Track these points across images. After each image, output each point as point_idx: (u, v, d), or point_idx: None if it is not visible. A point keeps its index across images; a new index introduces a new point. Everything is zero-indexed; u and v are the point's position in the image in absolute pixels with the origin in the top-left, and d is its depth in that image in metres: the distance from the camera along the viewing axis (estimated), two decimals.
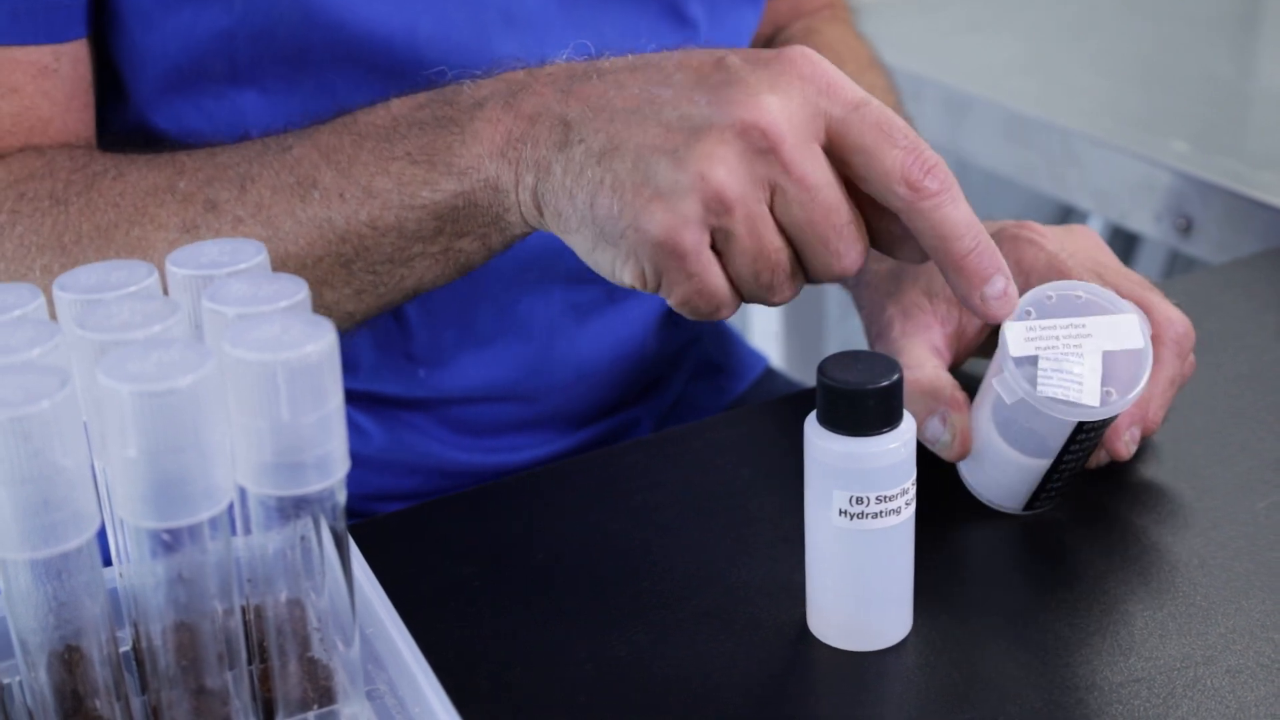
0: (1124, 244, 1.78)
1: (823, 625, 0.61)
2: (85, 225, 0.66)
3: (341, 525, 0.46)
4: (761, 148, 0.56)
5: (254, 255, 0.50)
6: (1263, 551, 0.66)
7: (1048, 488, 0.67)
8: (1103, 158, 1.18)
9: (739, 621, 0.63)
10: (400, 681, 0.50)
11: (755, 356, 1.04)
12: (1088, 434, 0.64)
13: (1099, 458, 0.70)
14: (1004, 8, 1.57)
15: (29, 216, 0.67)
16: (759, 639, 0.62)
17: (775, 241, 0.58)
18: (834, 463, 0.57)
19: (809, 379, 0.90)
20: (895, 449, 0.57)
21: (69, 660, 0.45)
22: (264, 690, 0.50)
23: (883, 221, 0.60)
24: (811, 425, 0.58)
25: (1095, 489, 0.71)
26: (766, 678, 0.60)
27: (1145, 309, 0.69)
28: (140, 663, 0.51)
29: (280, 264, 0.64)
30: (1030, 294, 0.64)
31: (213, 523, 0.44)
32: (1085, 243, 0.74)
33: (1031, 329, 0.63)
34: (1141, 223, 1.17)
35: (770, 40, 0.98)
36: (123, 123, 0.76)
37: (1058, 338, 0.63)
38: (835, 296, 1.67)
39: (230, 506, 0.45)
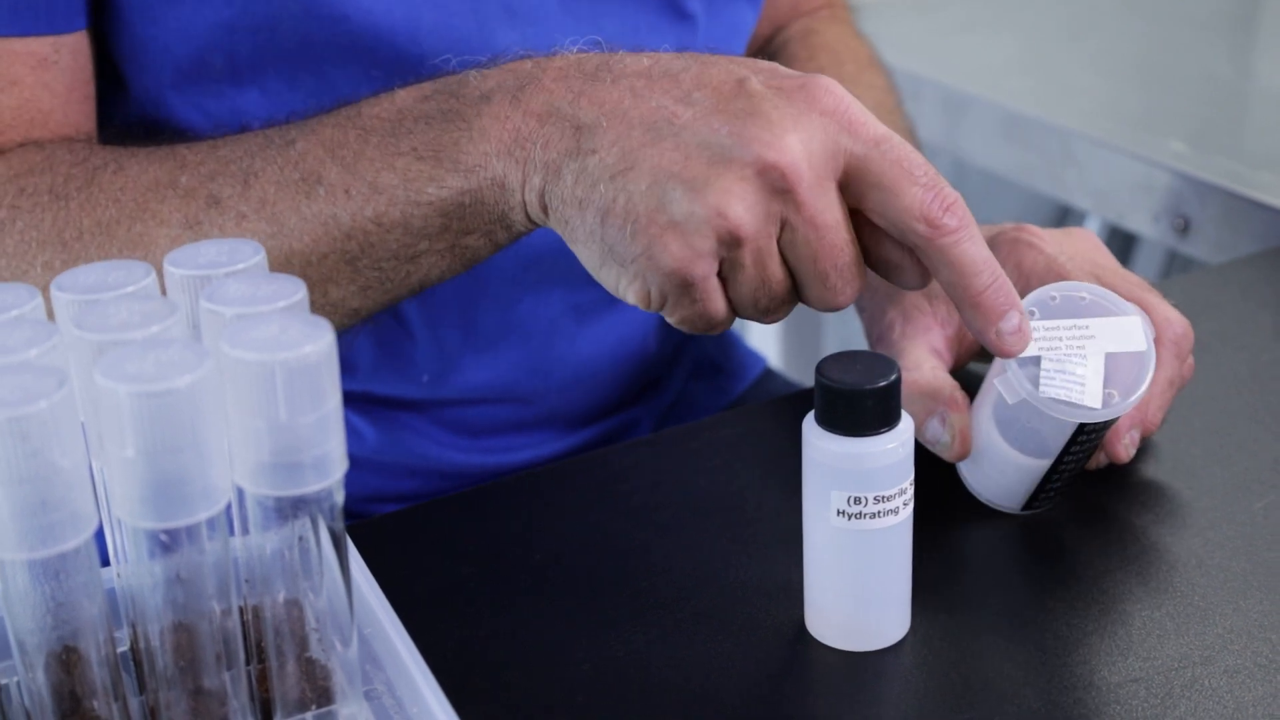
0: (1122, 244, 1.78)
1: (821, 625, 0.61)
2: (86, 221, 0.65)
3: (339, 525, 0.46)
4: (780, 188, 0.56)
5: (252, 255, 0.50)
6: (1260, 551, 0.66)
7: (1047, 488, 0.67)
8: (1101, 158, 1.18)
9: (737, 621, 0.63)
10: (398, 682, 0.50)
11: (754, 357, 1.04)
12: (1089, 435, 0.64)
13: (1098, 460, 0.70)
14: (1002, 8, 1.57)
15: (29, 212, 0.66)
16: (757, 639, 0.62)
17: (779, 274, 0.58)
18: (832, 463, 0.57)
19: (808, 379, 0.90)
20: (893, 449, 0.57)
21: (67, 661, 0.45)
22: (262, 690, 0.50)
23: (882, 249, 0.60)
24: (810, 425, 0.58)
25: (1093, 489, 0.71)
26: (765, 678, 0.60)
27: (1144, 310, 0.69)
28: (138, 663, 0.51)
29: (284, 261, 0.64)
30: (1034, 294, 0.64)
31: (210, 523, 0.44)
32: (1084, 245, 0.74)
33: (1035, 329, 0.63)
34: (1139, 223, 1.17)
35: (769, 39, 0.98)
36: (124, 116, 0.76)
37: (1061, 339, 0.63)
38: None
39: (228, 507, 0.45)
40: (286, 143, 0.65)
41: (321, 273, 0.64)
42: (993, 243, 0.70)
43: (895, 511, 0.58)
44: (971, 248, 0.58)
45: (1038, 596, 0.64)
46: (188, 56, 0.72)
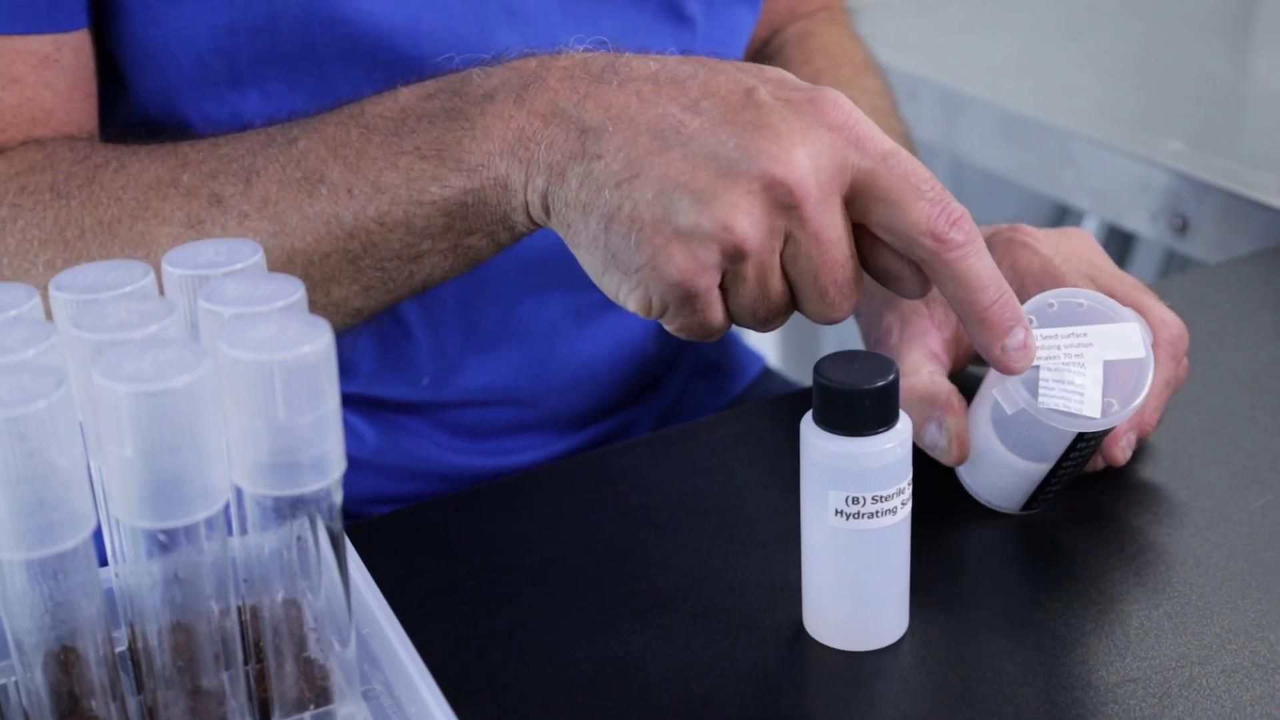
0: (1120, 244, 1.78)
1: (819, 625, 0.62)
2: (88, 220, 0.65)
3: (338, 525, 0.46)
4: (786, 203, 0.56)
5: (250, 255, 0.50)
6: (1258, 550, 0.66)
7: (1045, 491, 0.67)
8: (1099, 157, 1.18)
9: (735, 621, 0.63)
10: (396, 681, 0.50)
11: (753, 356, 1.04)
12: (1087, 442, 0.64)
13: (1095, 463, 0.70)
14: (1000, 8, 1.57)
15: (30, 210, 0.66)
16: (755, 639, 0.62)
17: (779, 287, 0.58)
18: (830, 462, 0.57)
19: (806, 379, 0.90)
20: (891, 449, 0.57)
21: (65, 660, 0.45)
22: (260, 690, 0.50)
23: (882, 260, 0.60)
24: (808, 425, 0.58)
25: (1092, 489, 0.71)
26: (762, 678, 0.60)
27: (1139, 311, 0.69)
28: (136, 663, 0.51)
29: (287, 260, 0.63)
30: (1032, 302, 0.64)
31: (209, 523, 0.44)
32: (1079, 245, 0.74)
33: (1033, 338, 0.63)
34: (1138, 222, 1.17)
35: (766, 42, 0.98)
36: (126, 116, 0.75)
37: (1059, 347, 0.63)
38: None
39: (226, 506, 0.45)
40: (289, 141, 0.64)
41: (324, 272, 0.64)
42: (988, 243, 0.70)
43: (893, 511, 0.58)
44: (978, 262, 0.58)
45: (1036, 596, 0.64)
46: (188, 58, 0.72)
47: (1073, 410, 0.62)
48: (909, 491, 0.59)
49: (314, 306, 0.64)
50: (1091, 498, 0.70)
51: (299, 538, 0.46)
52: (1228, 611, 0.62)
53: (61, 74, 0.70)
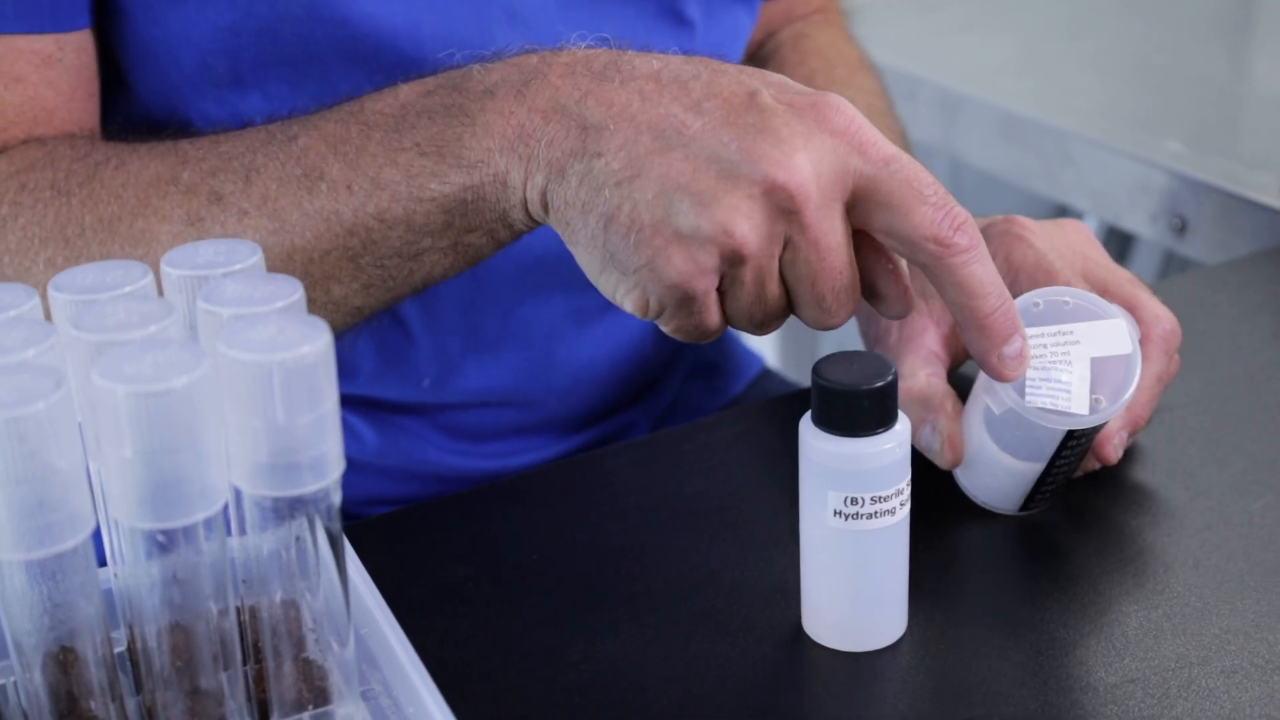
0: (1119, 244, 1.78)
1: (818, 626, 0.62)
2: (89, 217, 0.65)
3: (336, 526, 0.46)
4: (786, 208, 0.56)
5: (249, 256, 0.50)
6: (1257, 552, 0.66)
7: (1042, 490, 0.67)
8: (1098, 158, 1.18)
9: (734, 622, 0.63)
10: (395, 682, 0.50)
11: (751, 357, 1.04)
12: (1079, 440, 0.64)
13: (1089, 465, 0.70)
14: (1000, 8, 1.57)
15: (31, 208, 0.66)
16: (754, 640, 0.62)
17: (776, 291, 0.58)
18: (829, 463, 0.57)
19: (805, 379, 0.90)
20: (890, 449, 0.57)
21: (64, 661, 0.45)
22: (259, 691, 0.50)
23: (869, 276, 0.60)
24: (806, 426, 0.58)
25: (1091, 490, 0.71)
26: (761, 679, 0.60)
27: (1133, 306, 0.69)
28: (135, 664, 0.51)
29: (286, 258, 0.63)
30: (1017, 301, 0.64)
31: (208, 523, 0.44)
32: (1075, 238, 0.74)
33: None
34: (1137, 223, 1.17)
35: (761, 44, 0.98)
36: (127, 116, 0.75)
37: (1045, 345, 0.63)
38: None
39: (225, 507, 0.45)
40: (288, 138, 0.64)
41: (324, 270, 0.64)
42: (983, 234, 0.70)
43: (892, 512, 0.58)
44: (980, 269, 0.58)
45: (1035, 597, 0.64)
46: (190, 59, 0.72)
47: (1060, 408, 0.62)
48: (908, 492, 0.59)
49: (314, 304, 0.64)
50: (1090, 499, 0.70)
51: (298, 538, 0.46)
52: (1227, 612, 0.62)
53: (64, 73, 0.70)
